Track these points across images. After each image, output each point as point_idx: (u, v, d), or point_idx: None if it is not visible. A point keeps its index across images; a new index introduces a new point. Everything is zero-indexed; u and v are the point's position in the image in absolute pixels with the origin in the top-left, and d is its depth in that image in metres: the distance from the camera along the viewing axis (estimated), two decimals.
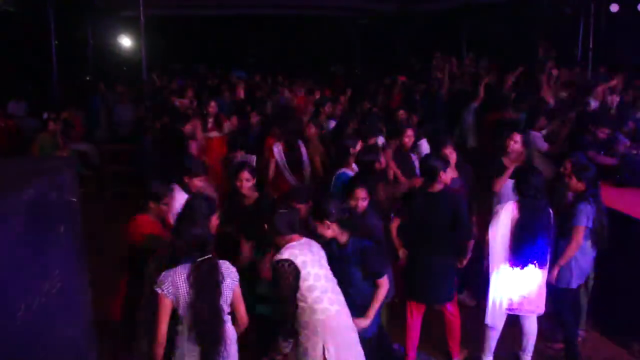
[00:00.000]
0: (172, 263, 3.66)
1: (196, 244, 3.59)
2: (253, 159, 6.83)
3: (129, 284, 4.56)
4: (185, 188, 5.17)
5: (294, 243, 3.94)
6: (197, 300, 3.50)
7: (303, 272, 3.82)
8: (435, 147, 6.17)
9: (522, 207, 4.80)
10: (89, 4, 14.42)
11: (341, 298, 4.01)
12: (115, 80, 13.46)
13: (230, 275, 3.70)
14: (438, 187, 4.99)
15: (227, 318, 3.74)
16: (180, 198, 4.94)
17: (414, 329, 5.18)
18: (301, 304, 3.86)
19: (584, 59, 12.42)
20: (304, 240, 4.02)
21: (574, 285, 5.13)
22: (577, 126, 7.60)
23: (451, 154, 5.86)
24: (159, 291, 3.52)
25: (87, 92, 13.03)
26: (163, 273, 3.56)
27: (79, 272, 2.89)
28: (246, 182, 5.18)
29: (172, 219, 4.62)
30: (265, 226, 4.04)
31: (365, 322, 4.25)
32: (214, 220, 4.17)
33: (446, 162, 5.14)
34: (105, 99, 12.46)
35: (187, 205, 4.15)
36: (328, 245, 4.27)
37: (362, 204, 4.79)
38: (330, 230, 4.24)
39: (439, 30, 16.87)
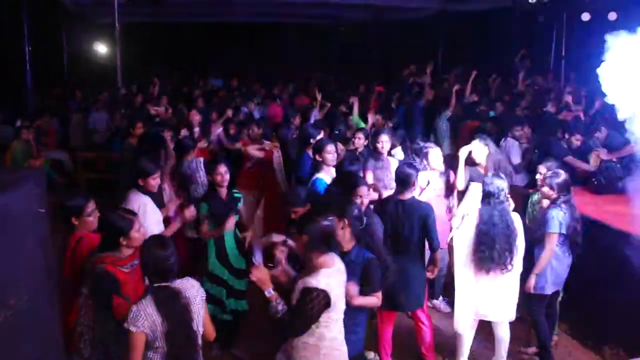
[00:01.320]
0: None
1: (157, 270, 3.43)
2: (200, 161, 6.80)
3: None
4: (142, 190, 5.11)
5: (330, 270, 3.67)
6: (171, 328, 3.34)
7: (332, 307, 3.63)
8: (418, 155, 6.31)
9: (482, 214, 4.86)
10: (63, 10, 14.29)
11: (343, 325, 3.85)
12: (90, 87, 13.36)
13: (198, 293, 3.56)
14: (409, 195, 5.02)
15: (201, 330, 3.60)
16: (135, 200, 4.93)
17: (385, 336, 5.17)
18: (313, 327, 3.66)
19: (557, 67, 12.61)
20: (338, 265, 3.76)
21: (548, 291, 5.17)
22: (547, 133, 7.71)
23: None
24: (134, 329, 3.30)
25: (63, 100, 12.90)
26: (132, 308, 3.35)
27: (48, 288, 2.80)
28: (225, 174, 5.38)
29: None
30: (303, 238, 3.70)
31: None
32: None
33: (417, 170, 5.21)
34: (81, 106, 12.35)
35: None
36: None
37: (365, 201, 4.76)
38: (345, 231, 4.07)
39: (415, 38, 16.98)
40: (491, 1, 13.40)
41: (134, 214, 4.08)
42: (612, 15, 11.24)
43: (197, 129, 8.43)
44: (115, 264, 3.75)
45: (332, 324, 3.69)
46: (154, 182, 5.16)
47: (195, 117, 8.50)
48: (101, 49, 16.10)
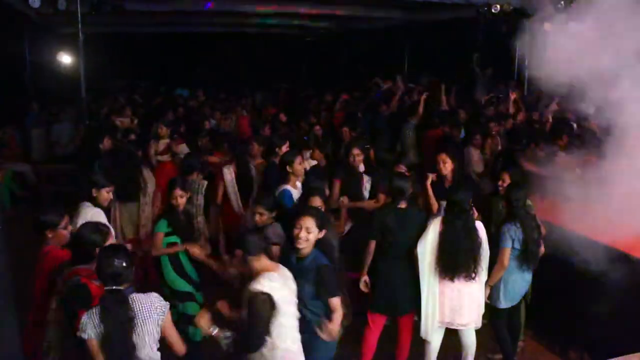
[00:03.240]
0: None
1: (107, 274, 3.43)
2: (204, 183, 6.80)
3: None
4: (95, 202, 5.11)
5: (274, 274, 3.80)
6: (107, 332, 3.34)
7: (277, 307, 3.72)
8: (383, 166, 6.40)
9: (444, 222, 4.91)
10: (25, 20, 14.05)
11: (298, 335, 3.95)
12: (53, 98, 13.16)
13: (154, 312, 3.51)
14: (404, 204, 5.14)
15: (155, 354, 3.57)
16: (86, 214, 4.91)
17: (370, 342, 5.23)
18: (266, 337, 3.75)
19: (520, 77, 12.78)
20: (282, 271, 3.90)
21: (503, 305, 5.25)
22: (511, 142, 7.81)
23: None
24: (85, 337, 3.35)
25: (23, 111, 12.67)
26: (83, 317, 3.39)
27: (3, 304, 2.75)
28: (180, 198, 5.41)
29: None
30: (238, 252, 3.91)
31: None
32: None
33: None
34: (42, 118, 12.15)
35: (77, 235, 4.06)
36: (287, 259, 4.22)
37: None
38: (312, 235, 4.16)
39: (381, 47, 17.12)
40: (455, 11, 13.54)
41: (108, 227, 4.18)
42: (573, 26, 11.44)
43: (164, 142, 8.34)
44: (90, 277, 3.77)
45: (283, 332, 3.75)
46: (107, 195, 5.20)
47: (163, 130, 8.41)
48: (65, 59, 15.85)
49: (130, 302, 3.45)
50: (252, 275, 3.80)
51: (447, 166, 6.21)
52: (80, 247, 3.96)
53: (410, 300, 5.12)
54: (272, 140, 7.16)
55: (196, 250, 5.30)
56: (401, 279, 5.07)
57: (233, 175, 7.01)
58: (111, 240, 4.06)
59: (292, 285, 3.93)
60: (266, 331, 3.71)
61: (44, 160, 11.28)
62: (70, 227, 4.38)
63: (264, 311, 3.66)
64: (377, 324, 5.23)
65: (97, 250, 3.80)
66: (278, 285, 3.76)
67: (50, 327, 3.86)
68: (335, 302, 4.13)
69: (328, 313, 4.16)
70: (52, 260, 4.13)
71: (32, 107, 12.47)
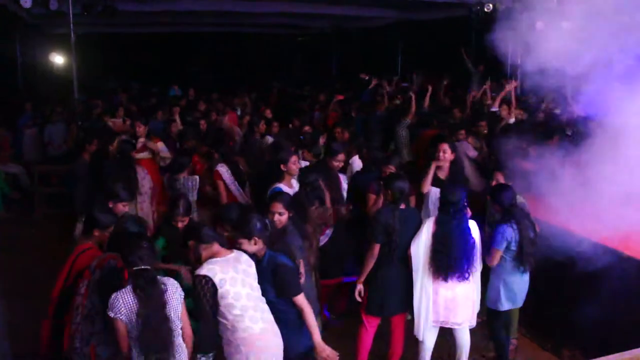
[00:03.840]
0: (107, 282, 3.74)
1: (137, 255, 3.62)
2: (196, 179, 6.84)
3: (57, 313, 4.33)
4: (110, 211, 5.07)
5: (217, 258, 3.93)
6: (143, 308, 3.51)
7: (221, 290, 3.84)
8: (376, 165, 6.44)
9: (438, 222, 4.91)
10: (17, 21, 14.01)
11: (267, 316, 4.03)
12: (46, 99, 13.10)
13: (177, 289, 3.75)
14: (402, 204, 5.12)
15: (179, 332, 3.73)
16: None
17: (365, 344, 5.23)
18: (222, 320, 3.91)
19: (513, 74, 12.81)
20: (232, 255, 4.01)
21: (502, 308, 5.21)
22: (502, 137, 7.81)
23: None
24: (112, 315, 3.52)
25: (15, 112, 12.61)
26: (112, 296, 3.55)
27: None
28: (181, 223, 5.21)
29: None
30: (191, 244, 4.02)
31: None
32: None
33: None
34: (35, 118, 12.09)
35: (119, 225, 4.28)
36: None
37: (280, 218, 4.81)
38: (257, 246, 4.22)
39: (374, 47, 17.14)
40: (448, 10, 13.58)
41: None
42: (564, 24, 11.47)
43: (141, 140, 8.31)
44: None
45: (237, 313, 3.87)
46: (123, 209, 5.22)
47: (141, 129, 8.39)
48: (57, 60, 15.81)
49: (161, 281, 3.68)
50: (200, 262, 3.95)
51: (446, 156, 6.21)
52: (120, 237, 4.14)
53: (403, 299, 5.13)
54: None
55: (189, 277, 5.22)
56: (396, 279, 5.07)
57: (229, 172, 7.02)
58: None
59: (243, 268, 4.01)
60: (212, 312, 3.85)
61: (37, 161, 11.22)
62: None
63: (205, 293, 3.80)
64: (371, 324, 5.23)
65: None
66: (220, 268, 3.86)
67: (79, 312, 3.93)
68: (300, 300, 4.21)
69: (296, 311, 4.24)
70: (90, 258, 4.22)
71: (25, 107, 12.41)
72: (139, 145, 8.14)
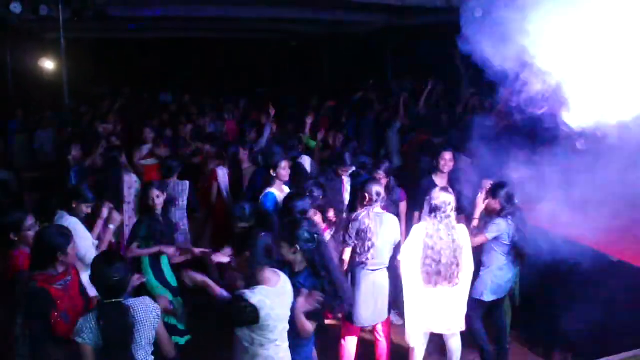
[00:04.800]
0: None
1: (104, 287, 3.43)
2: (186, 184, 6.85)
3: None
4: (73, 213, 5.08)
5: (271, 289, 3.65)
6: (108, 346, 3.33)
7: (263, 323, 3.58)
8: (368, 171, 6.51)
9: (428, 228, 4.91)
10: (7, 26, 13.94)
11: (282, 344, 3.79)
12: (36, 104, 13.04)
13: (150, 315, 3.52)
14: (380, 208, 5.14)
15: (150, 358, 3.59)
16: (64, 222, 4.83)
17: (347, 353, 5.20)
18: (247, 345, 3.68)
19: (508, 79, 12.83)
20: (283, 286, 3.74)
21: (486, 298, 5.27)
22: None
23: (382, 180, 6.07)
24: (79, 340, 3.33)
25: (6, 118, 12.55)
26: (78, 321, 3.37)
27: None
28: (157, 199, 5.45)
29: None
30: (246, 255, 3.74)
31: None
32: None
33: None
34: (26, 124, 12.04)
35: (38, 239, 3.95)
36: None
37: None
38: (296, 256, 4.06)
39: (364, 52, 17.14)
40: (437, 15, 13.60)
41: (69, 230, 4.05)
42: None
43: (148, 146, 8.34)
44: (48, 282, 3.71)
45: (268, 345, 3.66)
46: (86, 210, 5.19)
47: (148, 135, 8.42)
48: (47, 65, 15.73)
49: (132, 310, 3.44)
50: (252, 283, 3.69)
51: (449, 165, 6.40)
52: (41, 251, 3.82)
53: (381, 306, 5.11)
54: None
55: (170, 251, 5.29)
56: (371, 285, 5.03)
57: (227, 176, 7.07)
58: (73, 244, 3.94)
59: (290, 302, 3.79)
60: (236, 326, 3.67)
61: (27, 167, 11.16)
62: (37, 228, 4.25)
63: (243, 317, 3.56)
64: (351, 333, 5.20)
65: (59, 255, 3.77)
66: (272, 303, 3.59)
67: (21, 343, 3.80)
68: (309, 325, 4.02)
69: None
70: (15, 266, 4.07)
71: (16, 113, 12.35)
72: (144, 151, 8.16)
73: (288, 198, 5.33)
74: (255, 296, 3.55)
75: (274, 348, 3.69)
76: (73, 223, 4.89)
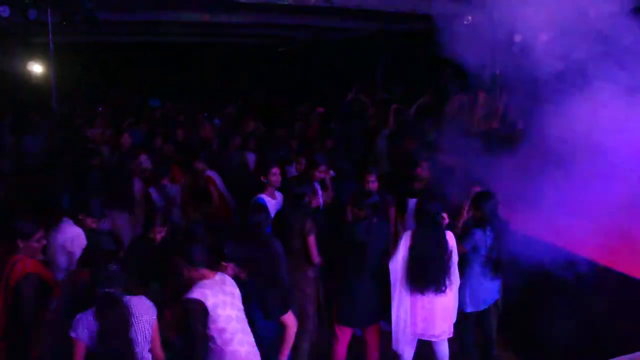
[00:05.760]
0: (77, 300, 3.60)
1: (102, 277, 3.56)
2: (177, 188, 6.93)
3: (9, 332, 4.25)
4: (79, 223, 5.09)
5: (206, 281, 3.83)
6: (104, 331, 3.42)
7: (213, 314, 3.74)
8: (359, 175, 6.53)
9: (415, 235, 4.93)
10: None
11: (250, 339, 3.98)
12: (24, 109, 12.96)
13: (147, 310, 3.67)
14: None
15: (148, 355, 3.66)
16: (66, 232, 4.89)
17: (340, 354, 5.23)
18: (210, 345, 3.81)
19: (493, 85, 12.90)
20: (218, 277, 3.92)
21: (467, 309, 5.29)
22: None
23: (372, 183, 6.17)
24: (73, 335, 3.42)
25: None
26: (76, 316, 3.47)
27: None
28: (159, 234, 5.13)
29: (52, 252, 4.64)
30: (175, 257, 3.93)
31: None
32: None
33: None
34: (15, 128, 11.95)
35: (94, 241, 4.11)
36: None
37: None
38: (229, 269, 4.18)
39: (355, 58, 17.17)
40: (427, 22, 13.66)
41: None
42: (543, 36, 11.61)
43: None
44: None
45: (227, 337, 3.78)
46: (91, 224, 5.17)
47: (125, 140, 8.40)
48: (36, 69, 15.67)
49: (128, 305, 3.58)
50: (189, 286, 3.83)
51: (424, 173, 6.46)
52: (90, 254, 4.10)
53: (374, 311, 5.15)
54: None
55: None
56: (367, 290, 5.10)
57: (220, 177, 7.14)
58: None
59: (230, 290, 3.93)
60: (203, 338, 3.75)
61: (15, 171, 11.08)
62: (44, 241, 4.39)
63: (198, 318, 3.69)
64: (344, 335, 5.23)
65: None
66: (211, 291, 3.77)
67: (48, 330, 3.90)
68: (288, 320, 4.25)
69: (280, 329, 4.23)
70: (20, 271, 4.12)
71: (5, 117, 12.29)
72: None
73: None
74: (194, 291, 3.74)
75: (237, 339, 3.84)
76: (78, 235, 4.96)
